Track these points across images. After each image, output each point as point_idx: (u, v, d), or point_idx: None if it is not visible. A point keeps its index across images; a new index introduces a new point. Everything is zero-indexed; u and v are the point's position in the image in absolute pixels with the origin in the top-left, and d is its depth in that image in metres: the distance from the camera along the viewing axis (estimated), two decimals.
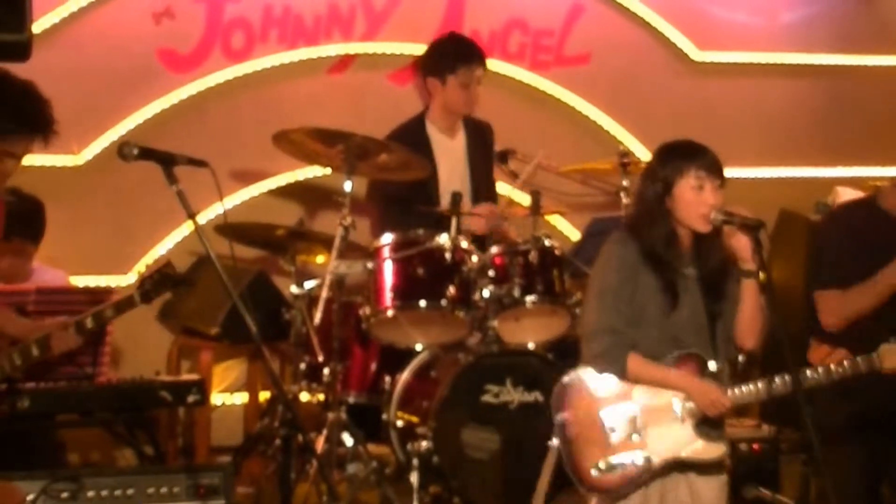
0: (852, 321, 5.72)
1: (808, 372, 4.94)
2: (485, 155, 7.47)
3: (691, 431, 4.90)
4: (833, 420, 5.67)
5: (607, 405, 4.92)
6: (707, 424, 4.94)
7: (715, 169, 4.92)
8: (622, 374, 4.90)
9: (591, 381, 4.99)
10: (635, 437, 4.88)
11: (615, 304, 4.91)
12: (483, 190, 7.40)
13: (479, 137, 7.47)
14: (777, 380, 4.88)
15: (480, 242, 6.88)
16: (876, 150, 7.76)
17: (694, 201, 4.89)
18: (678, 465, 4.92)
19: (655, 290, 4.93)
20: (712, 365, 4.94)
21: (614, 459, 4.88)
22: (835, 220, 6.28)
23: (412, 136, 7.16)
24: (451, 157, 7.33)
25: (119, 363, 6.83)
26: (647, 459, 4.87)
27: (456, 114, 7.36)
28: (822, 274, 5.85)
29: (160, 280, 5.20)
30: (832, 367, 4.99)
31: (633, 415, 4.90)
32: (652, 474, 4.89)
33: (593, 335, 4.94)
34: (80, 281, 7.32)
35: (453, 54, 7.31)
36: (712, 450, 4.94)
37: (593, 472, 4.88)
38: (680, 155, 4.96)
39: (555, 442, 5.09)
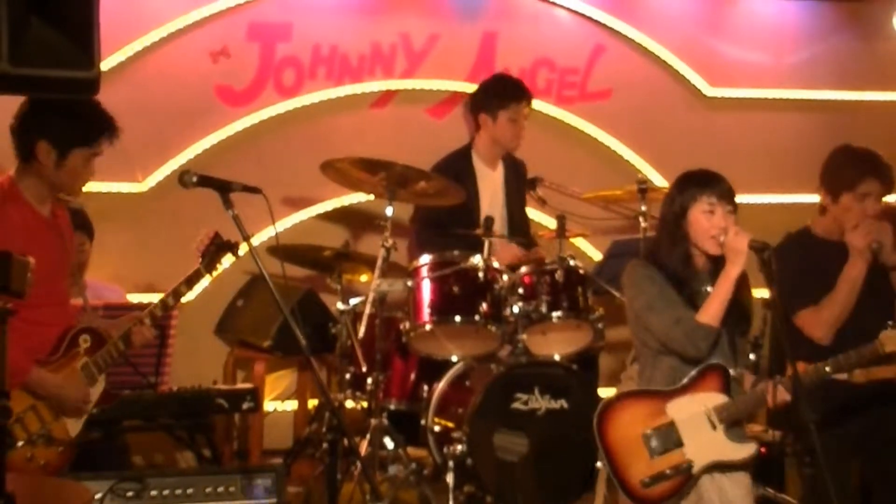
0: (836, 328, 5.76)
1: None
2: (518, 187, 7.49)
3: (723, 436, 4.90)
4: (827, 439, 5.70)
5: (645, 423, 4.91)
6: (736, 428, 4.95)
7: (727, 196, 4.98)
8: (707, 348, 4.91)
9: (626, 403, 5.01)
10: (675, 448, 4.88)
11: (666, 304, 4.93)
12: (516, 218, 7.42)
13: (515, 172, 7.48)
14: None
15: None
16: None
17: (705, 225, 4.94)
18: (709, 468, 4.92)
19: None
20: (732, 372, 4.96)
21: (659, 472, 4.87)
22: (783, 252, 6.26)
23: (459, 165, 7.23)
24: (491, 187, 7.35)
25: (180, 373, 6.81)
26: (689, 467, 4.87)
27: (503, 147, 7.37)
28: (793, 300, 5.84)
29: (216, 249, 5.26)
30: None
31: (670, 429, 4.89)
32: (694, 480, 4.90)
33: (669, 339, 4.94)
34: (142, 298, 7.32)
35: (506, 92, 7.33)
36: (744, 450, 4.95)
37: (642, 487, 4.87)
38: (695, 182, 5.02)
39: (600, 464, 5.07)
